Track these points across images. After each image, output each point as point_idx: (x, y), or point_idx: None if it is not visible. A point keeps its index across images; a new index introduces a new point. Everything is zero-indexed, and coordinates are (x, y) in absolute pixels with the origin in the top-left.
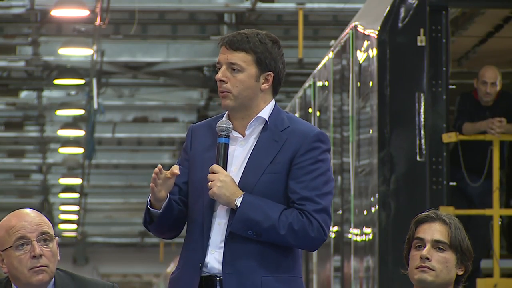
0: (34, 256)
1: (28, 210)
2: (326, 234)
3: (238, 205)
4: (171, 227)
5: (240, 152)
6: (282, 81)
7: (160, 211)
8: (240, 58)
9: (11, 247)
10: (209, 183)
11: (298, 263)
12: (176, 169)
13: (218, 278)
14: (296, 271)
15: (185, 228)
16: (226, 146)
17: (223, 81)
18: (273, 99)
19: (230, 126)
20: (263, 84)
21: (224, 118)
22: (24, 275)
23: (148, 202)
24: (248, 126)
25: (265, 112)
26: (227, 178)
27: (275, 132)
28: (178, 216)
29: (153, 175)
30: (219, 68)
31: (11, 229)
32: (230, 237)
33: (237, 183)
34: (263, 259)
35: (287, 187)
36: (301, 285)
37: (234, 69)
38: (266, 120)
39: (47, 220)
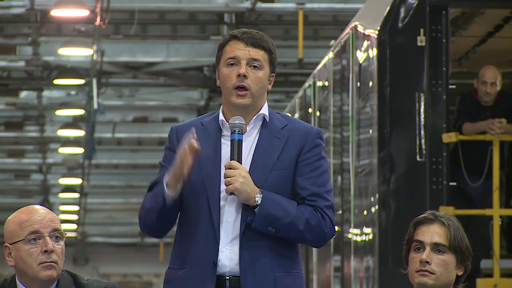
0: (46, 251)
1: (38, 206)
2: (335, 230)
3: (259, 202)
4: (171, 223)
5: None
6: None
7: (174, 195)
8: (261, 55)
9: (22, 240)
10: (229, 179)
11: (300, 259)
12: (195, 144)
13: (228, 278)
14: (300, 267)
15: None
16: (240, 142)
17: (245, 76)
18: None
19: (243, 122)
20: (269, 84)
21: (221, 116)
22: (33, 269)
23: (164, 185)
24: (250, 123)
25: (265, 110)
26: (247, 174)
27: (275, 130)
28: (177, 212)
29: (191, 142)
30: (231, 64)
31: (24, 223)
32: (246, 234)
33: None
34: (276, 255)
35: (293, 184)
36: (304, 282)
37: (255, 66)
38: (265, 118)
39: (57, 217)
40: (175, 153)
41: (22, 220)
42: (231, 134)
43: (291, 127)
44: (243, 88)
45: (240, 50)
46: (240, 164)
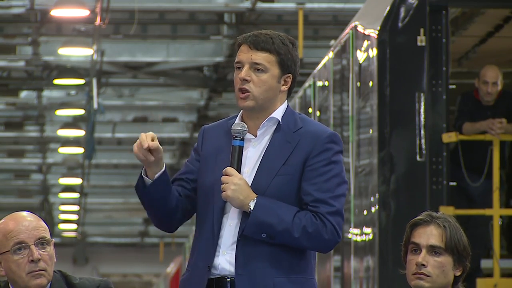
0: (32, 261)
1: (25, 214)
2: (340, 236)
3: (251, 209)
4: (168, 213)
5: (252, 153)
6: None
7: (153, 179)
8: (264, 58)
9: (9, 251)
10: (223, 186)
11: (311, 264)
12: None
13: (228, 279)
14: (308, 272)
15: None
16: (241, 149)
17: (246, 80)
18: (286, 100)
19: (245, 129)
20: (282, 85)
21: (238, 119)
22: (22, 279)
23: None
24: (260, 127)
25: (278, 113)
26: (241, 181)
27: (287, 133)
28: (177, 204)
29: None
30: (238, 68)
31: (9, 233)
32: (242, 239)
33: (250, 185)
34: (276, 260)
35: (299, 188)
36: (313, 287)
37: (258, 69)
38: (279, 121)
39: (43, 223)
40: (198, 155)
41: (7, 231)
42: (232, 139)
43: (304, 131)
44: (245, 90)
45: (244, 54)
46: (235, 171)
